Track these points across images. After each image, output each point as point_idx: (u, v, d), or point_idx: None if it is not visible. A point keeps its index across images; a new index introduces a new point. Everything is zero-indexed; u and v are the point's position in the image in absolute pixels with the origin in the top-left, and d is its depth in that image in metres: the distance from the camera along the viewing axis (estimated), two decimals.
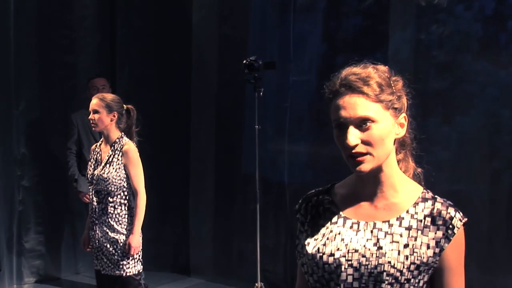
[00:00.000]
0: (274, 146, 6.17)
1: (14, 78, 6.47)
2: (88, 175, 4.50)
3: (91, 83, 6.09)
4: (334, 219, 1.79)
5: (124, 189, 4.41)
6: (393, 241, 1.70)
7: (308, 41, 6.00)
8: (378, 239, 1.71)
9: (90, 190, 4.48)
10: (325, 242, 1.76)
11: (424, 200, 1.76)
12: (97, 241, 4.45)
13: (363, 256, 1.70)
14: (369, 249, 1.70)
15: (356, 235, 1.74)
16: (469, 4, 5.16)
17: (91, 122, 4.46)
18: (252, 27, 6.40)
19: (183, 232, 6.99)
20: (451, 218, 1.71)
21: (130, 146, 4.44)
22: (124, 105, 4.55)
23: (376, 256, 1.69)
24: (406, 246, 1.70)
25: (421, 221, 1.72)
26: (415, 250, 1.69)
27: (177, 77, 6.94)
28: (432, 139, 5.05)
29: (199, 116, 6.80)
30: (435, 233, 1.71)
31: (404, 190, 1.78)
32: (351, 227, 1.76)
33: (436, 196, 1.78)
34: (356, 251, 1.71)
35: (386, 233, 1.72)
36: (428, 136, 5.38)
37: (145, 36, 7.04)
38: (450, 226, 1.71)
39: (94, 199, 4.44)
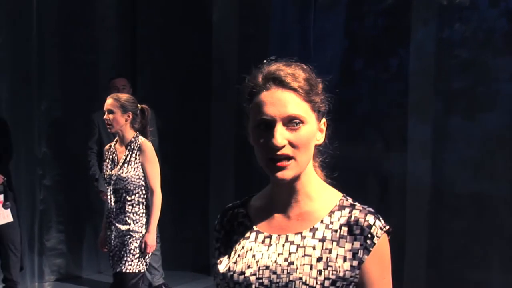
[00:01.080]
0: None
1: (36, 77, 6.51)
2: (106, 176, 4.50)
3: (112, 83, 6.10)
4: (247, 233, 1.63)
5: (142, 188, 4.41)
6: (305, 255, 1.52)
7: (329, 39, 5.96)
8: (289, 253, 1.53)
9: (108, 190, 4.47)
10: (236, 260, 1.61)
11: (341, 208, 1.58)
12: (112, 241, 4.45)
13: (274, 273, 1.53)
14: (280, 265, 1.53)
15: (268, 250, 1.56)
16: (493, 0, 5.09)
17: (106, 122, 4.45)
18: (272, 25, 6.37)
19: (203, 232, 6.98)
20: (370, 227, 1.53)
21: (147, 144, 4.43)
22: (138, 105, 4.54)
23: (287, 272, 1.51)
24: (319, 259, 1.51)
25: (336, 231, 1.54)
26: (329, 263, 1.51)
27: (197, 76, 6.93)
28: (455, 137, 4.99)
29: (219, 115, 6.79)
30: (352, 243, 1.52)
31: (320, 198, 1.60)
32: (263, 241, 1.59)
33: (355, 203, 1.60)
34: (267, 267, 1.54)
35: (298, 246, 1.54)
36: (451, 134, 5.34)
37: (166, 36, 7.04)
38: (369, 236, 1.52)
39: (112, 198, 4.43)
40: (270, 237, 1.58)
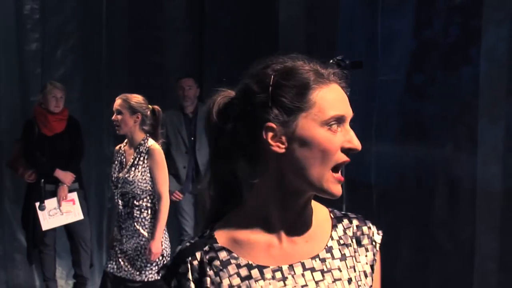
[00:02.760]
0: (361, 146, 6.08)
1: (106, 77, 6.65)
2: (113, 178, 4.40)
3: (179, 83, 6.17)
4: (244, 272, 1.31)
5: (150, 193, 4.28)
6: (334, 280, 1.33)
7: (397, 38, 5.88)
8: (316, 283, 1.32)
9: (115, 193, 4.37)
10: None
11: (338, 219, 1.44)
12: (119, 244, 4.37)
13: None
14: None
15: (285, 286, 1.31)
16: None
17: (114, 123, 4.34)
18: (340, 25, 6.33)
19: None
20: (372, 233, 1.43)
21: (156, 148, 4.30)
22: (149, 106, 4.41)
23: None
24: (349, 281, 1.35)
25: (349, 245, 1.39)
26: (358, 283, 1.36)
27: None
28: None
29: None
30: (366, 255, 1.41)
31: (315, 212, 1.43)
32: (273, 277, 1.31)
33: (344, 212, 1.48)
34: None
35: (322, 271, 1.33)
36: None
37: (233, 36, 7.07)
38: (373, 242, 1.42)
39: (120, 202, 4.33)
40: (280, 269, 1.32)
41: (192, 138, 6.14)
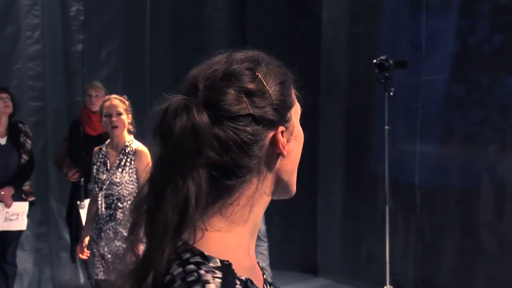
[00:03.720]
0: (404, 147, 6.03)
1: (149, 77, 6.71)
2: (96, 180, 4.31)
3: None
4: None
5: (135, 195, 4.18)
6: None
7: (442, 39, 5.82)
8: None
9: (99, 195, 4.27)
10: None
11: None
12: (100, 249, 4.28)
13: None
14: None
15: None
16: None
17: (114, 125, 4.23)
18: (383, 25, 6.29)
19: (311, 232, 6.96)
20: None
21: (143, 150, 4.25)
22: None
23: None
24: None
25: None
26: None
27: (305, 76, 6.87)
28: None
29: (328, 115, 6.76)
30: None
31: None
32: None
33: None
34: None
35: None
36: None
37: (274, 36, 7.07)
38: None
39: (103, 204, 4.24)
40: None
41: None
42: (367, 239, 6.35)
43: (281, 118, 1.24)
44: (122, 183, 4.20)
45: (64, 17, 6.49)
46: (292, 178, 1.31)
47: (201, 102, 1.20)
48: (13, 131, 5.62)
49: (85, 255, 4.44)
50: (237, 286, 1.13)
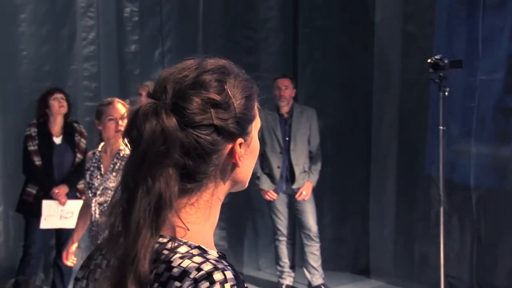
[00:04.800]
0: (459, 148, 5.94)
1: None
2: (90, 185, 4.20)
3: (275, 83, 6.19)
4: None
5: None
6: None
7: (498, 38, 5.70)
8: None
9: (92, 201, 4.16)
10: None
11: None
12: None
13: None
14: None
15: None
16: None
17: (117, 129, 4.12)
18: (437, 24, 6.19)
19: (363, 233, 6.92)
20: None
21: None
22: None
23: None
24: None
25: None
26: None
27: (358, 76, 6.88)
28: None
29: (381, 115, 6.70)
30: None
31: None
32: None
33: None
34: None
35: None
36: None
37: (327, 36, 7.05)
38: None
39: (97, 211, 4.14)
40: None
41: (287, 139, 6.15)
42: (420, 240, 6.28)
43: (242, 131, 1.30)
44: None
45: (119, 18, 6.58)
46: (243, 185, 1.38)
47: (169, 107, 1.24)
48: (68, 130, 5.73)
49: (71, 262, 4.38)
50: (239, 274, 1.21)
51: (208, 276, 1.15)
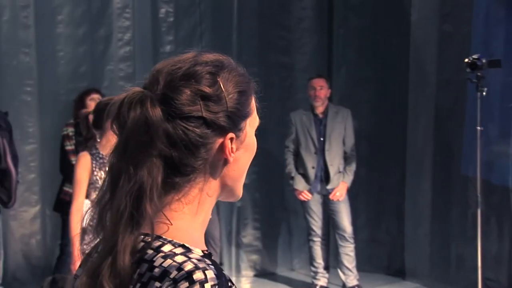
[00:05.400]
0: (497, 148, 5.86)
1: None
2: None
3: (310, 83, 6.19)
4: None
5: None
6: None
7: None
8: None
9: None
10: None
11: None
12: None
13: None
14: None
15: None
16: None
17: None
18: (475, 23, 6.12)
19: (398, 234, 6.87)
20: None
21: None
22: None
23: None
24: None
25: None
26: None
27: (394, 76, 6.84)
28: None
29: (417, 116, 6.65)
30: None
31: None
32: None
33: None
34: None
35: None
36: None
37: (362, 36, 7.02)
38: None
39: None
40: None
41: (322, 139, 6.14)
42: (457, 242, 6.21)
43: (233, 125, 1.28)
44: None
45: (154, 19, 6.62)
46: (237, 184, 1.33)
47: (158, 96, 1.23)
48: None
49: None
50: (223, 271, 1.19)
51: (188, 276, 1.13)
